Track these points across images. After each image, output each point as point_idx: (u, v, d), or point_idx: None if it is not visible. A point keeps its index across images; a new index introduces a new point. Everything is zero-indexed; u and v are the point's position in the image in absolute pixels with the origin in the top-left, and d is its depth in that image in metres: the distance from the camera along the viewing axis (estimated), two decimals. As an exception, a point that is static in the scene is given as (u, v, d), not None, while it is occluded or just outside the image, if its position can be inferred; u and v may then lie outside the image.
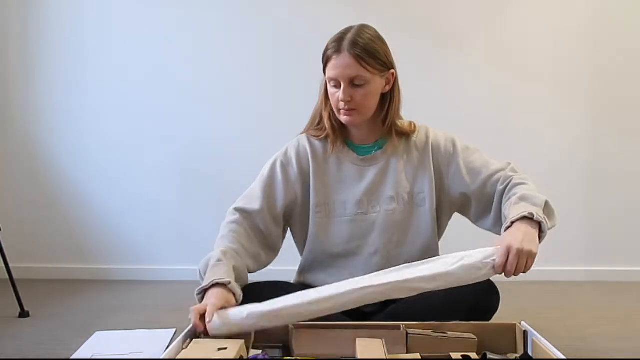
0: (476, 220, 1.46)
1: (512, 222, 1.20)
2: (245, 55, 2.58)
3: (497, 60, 2.58)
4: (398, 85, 1.43)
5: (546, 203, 1.26)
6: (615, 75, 2.57)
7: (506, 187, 1.34)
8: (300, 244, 1.50)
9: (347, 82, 1.32)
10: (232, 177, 2.59)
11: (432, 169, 1.43)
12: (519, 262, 1.14)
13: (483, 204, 1.40)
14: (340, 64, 1.32)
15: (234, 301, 1.20)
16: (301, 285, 1.48)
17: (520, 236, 1.16)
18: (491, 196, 1.38)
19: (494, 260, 1.14)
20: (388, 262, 1.41)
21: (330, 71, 1.34)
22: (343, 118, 1.38)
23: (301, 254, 1.52)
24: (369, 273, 1.27)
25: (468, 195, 1.41)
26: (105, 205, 2.63)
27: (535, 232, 1.19)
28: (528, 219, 1.20)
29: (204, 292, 1.21)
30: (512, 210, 1.24)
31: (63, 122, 2.62)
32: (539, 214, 1.20)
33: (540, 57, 2.57)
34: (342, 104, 1.34)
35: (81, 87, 2.61)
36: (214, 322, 1.14)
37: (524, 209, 1.21)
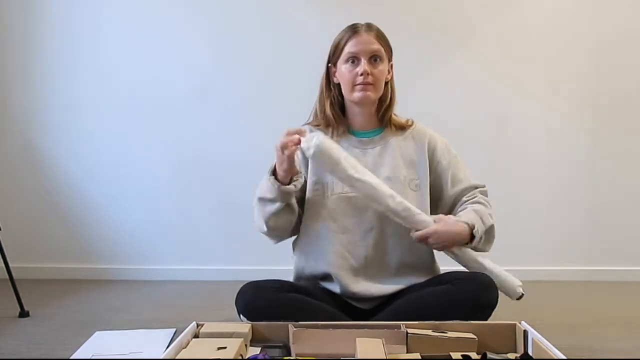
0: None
1: (457, 219, 1.40)
2: (246, 54, 2.58)
3: (496, 56, 2.57)
4: (394, 78, 1.54)
5: (491, 226, 1.43)
6: (615, 71, 2.57)
7: (468, 200, 1.49)
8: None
9: (368, 57, 1.44)
10: (232, 178, 2.59)
11: (427, 161, 1.52)
12: (429, 244, 1.38)
13: (447, 210, 1.52)
14: (363, 40, 1.44)
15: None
16: (299, 273, 1.53)
17: (451, 235, 1.37)
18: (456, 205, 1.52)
19: (417, 230, 1.37)
20: (383, 240, 1.47)
21: (351, 47, 1.44)
22: (358, 95, 1.46)
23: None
24: (366, 250, 1.46)
25: (440, 197, 1.53)
26: (105, 205, 2.63)
27: (461, 242, 1.39)
28: (469, 227, 1.38)
29: (274, 172, 1.39)
30: (465, 213, 1.43)
31: (63, 123, 2.62)
32: (480, 231, 1.38)
33: (540, 52, 2.56)
34: (360, 78, 1.44)
35: (81, 88, 2.61)
36: (313, 134, 1.31)
37: (473, 219, 1.39)
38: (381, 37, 1.47)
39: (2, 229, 1.98)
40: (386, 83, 1.51)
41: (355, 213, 1.46)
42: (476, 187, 1.52)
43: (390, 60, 1.51)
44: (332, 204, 1.46)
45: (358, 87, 1.45)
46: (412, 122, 1.57)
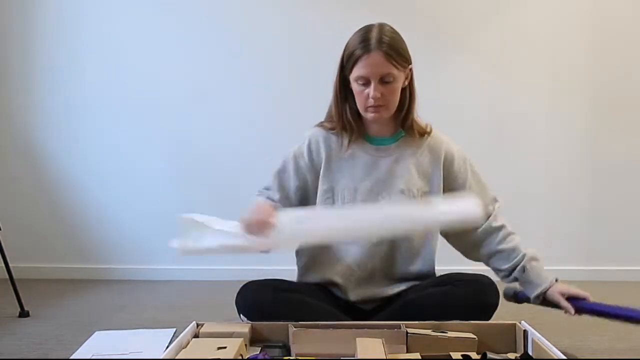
0: (455, 238, 1.52)
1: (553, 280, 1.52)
2: (247, 54, 2.58)
3: (497, 56, 2.57)
4: (413, 80, 1.46)
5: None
6: (615, 73, 2.56)
7: (499, 227, 1.49)
8: None
9: (378, 80, 1.35)
10: (232, 178, 2.59)
11: (442, 174, 1.47)
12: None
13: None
14: (372, 62, 1.34)
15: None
16: (304, 283, 1.50)
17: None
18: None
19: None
20: (392, 252, 1.45)
21: (361, 70, 1.35)
22: (370, 115, 1.40)
23: None
24: (373, 262, 1.43)
25: None
26: (105, 205, 2.63)
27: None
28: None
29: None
30: (543, 272, 1.54)
31: (63, 122, 2.61)
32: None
33: (540, 54, 2.56)
34: (371, 101, 1.36)
35: (81, 87, 2.61)
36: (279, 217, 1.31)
37: (550, 274, 1.53)
38: (392, 54, 1.34)
39: (2, 229, 1.98)
40: (403, 89, 1.42)
41: None
42: (491, 203, 1.50)
43: (407, 66, 1.41)
44: None
45: (370, 109, 1.38)
46: (431, 129, 1.50)
